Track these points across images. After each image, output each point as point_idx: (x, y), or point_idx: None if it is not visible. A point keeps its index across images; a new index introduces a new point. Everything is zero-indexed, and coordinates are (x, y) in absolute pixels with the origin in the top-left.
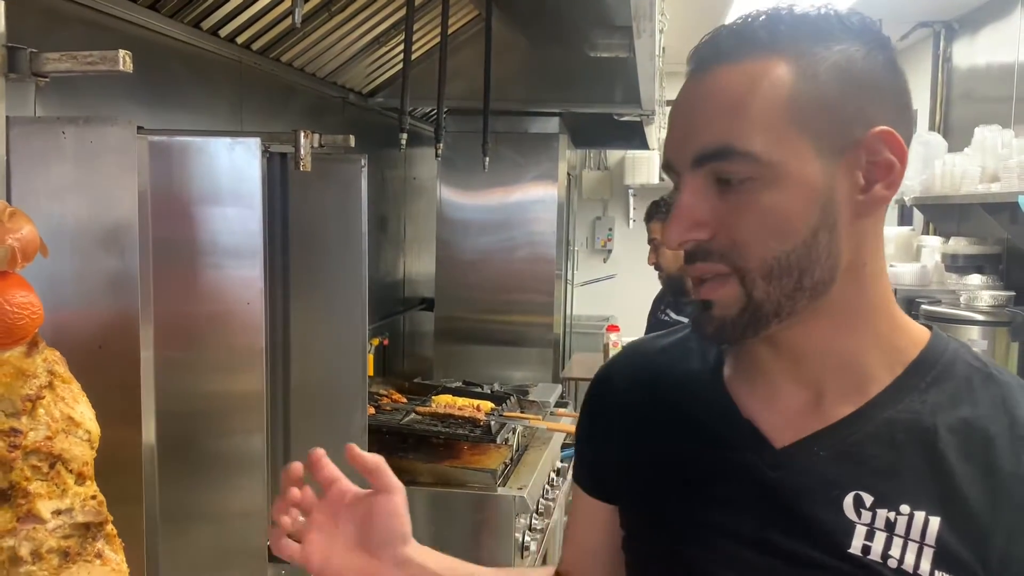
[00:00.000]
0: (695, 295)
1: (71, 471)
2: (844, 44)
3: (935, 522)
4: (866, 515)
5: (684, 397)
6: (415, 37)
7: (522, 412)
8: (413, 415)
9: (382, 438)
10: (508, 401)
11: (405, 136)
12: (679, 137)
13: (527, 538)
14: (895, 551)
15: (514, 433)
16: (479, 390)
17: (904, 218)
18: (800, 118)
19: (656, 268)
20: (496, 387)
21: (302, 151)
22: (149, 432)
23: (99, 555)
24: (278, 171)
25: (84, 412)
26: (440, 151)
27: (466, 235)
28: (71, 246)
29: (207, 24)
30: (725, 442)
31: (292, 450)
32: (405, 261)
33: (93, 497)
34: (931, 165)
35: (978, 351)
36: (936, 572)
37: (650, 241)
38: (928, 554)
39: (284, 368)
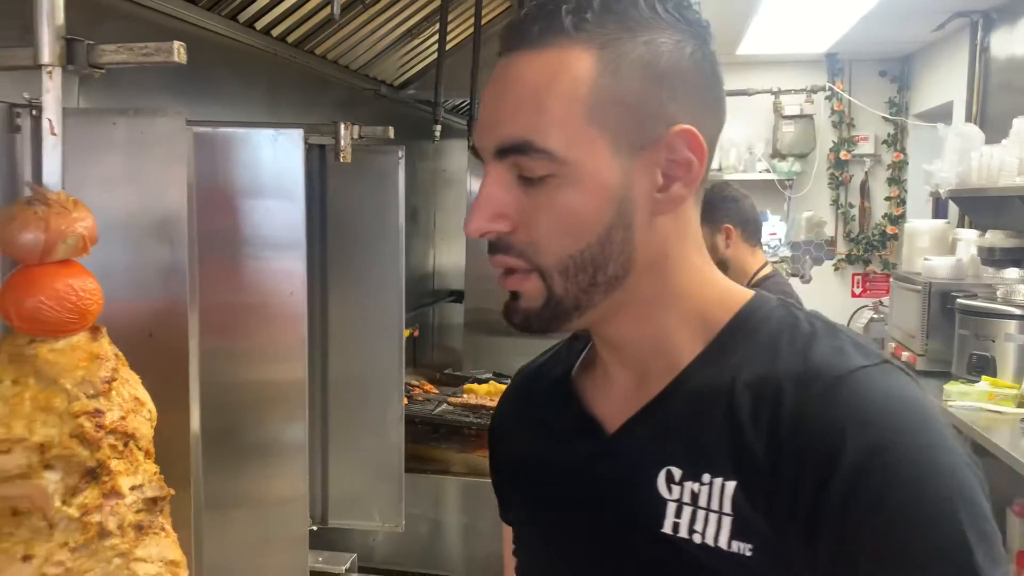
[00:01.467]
0: (501, 284)
1: (140, 448)
2: (653, 34)
3: (731, 487)
4: (676, 490)
5: (545, 405)
6: (448, 28)
7: None
8: (445, 405)
9: (415, 428)
10: None
11: (439, 128)
12: (484, 124)
13: None
14: (699, 525)
15: None
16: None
17: (939, 211)
18: (599, 117)
19: None
20: None
21: (342, 142)
22: (194, 420)
23: (163, 528)
24: (316, 163)
25: (144, 392)
26: (472, 142)
27: None
28: (121, 236)
29: (243, 17)
30: (570, 437)
31: (330, 439)
32: (435, 253)
33: (156, 473)
34: (967, 157)
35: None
36: (733, 543)
37: None
38: (726, 524)
39: (322, 358)
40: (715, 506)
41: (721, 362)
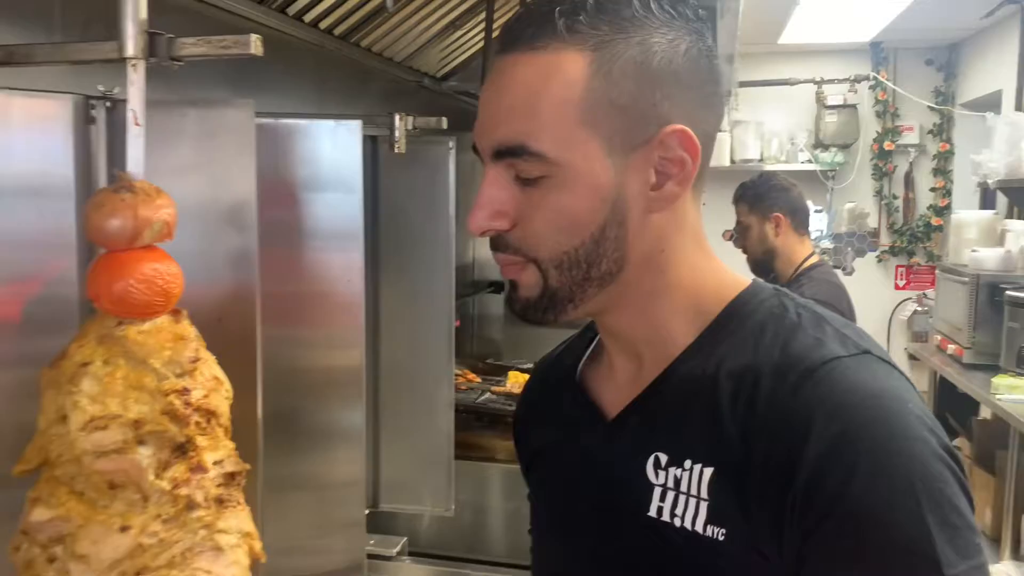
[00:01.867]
0: (502, 274)
1: (220, 425)
2: (646, 33)
3: (708, 472)
4: (662, 475)
5: (558, 394)
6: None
7: None
8: (488, 394)
9: (459, 416)
10: None
11: None
12: (482, 125)
13: None
14: (679, 509)
15: None
16: None
17: (987, 202)
18: (591, 119)
19: (743, 251)
20: None
21: (397, 133)
22: (260, 403)
23: (238, 501)
24: (369, 153)
25: (222, 372)
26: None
27: None
28: (192, 223)
29: (292, 10)
30: (576, 425)
31: (381, 424)
32: (474, 244)
33: (233, 449)
34: (1017, 147)
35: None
36: (708, 527)
37: (737, 224)
38: (703, 509)
39: (374, 346)
40: (694, 491)
41: (709, 351)
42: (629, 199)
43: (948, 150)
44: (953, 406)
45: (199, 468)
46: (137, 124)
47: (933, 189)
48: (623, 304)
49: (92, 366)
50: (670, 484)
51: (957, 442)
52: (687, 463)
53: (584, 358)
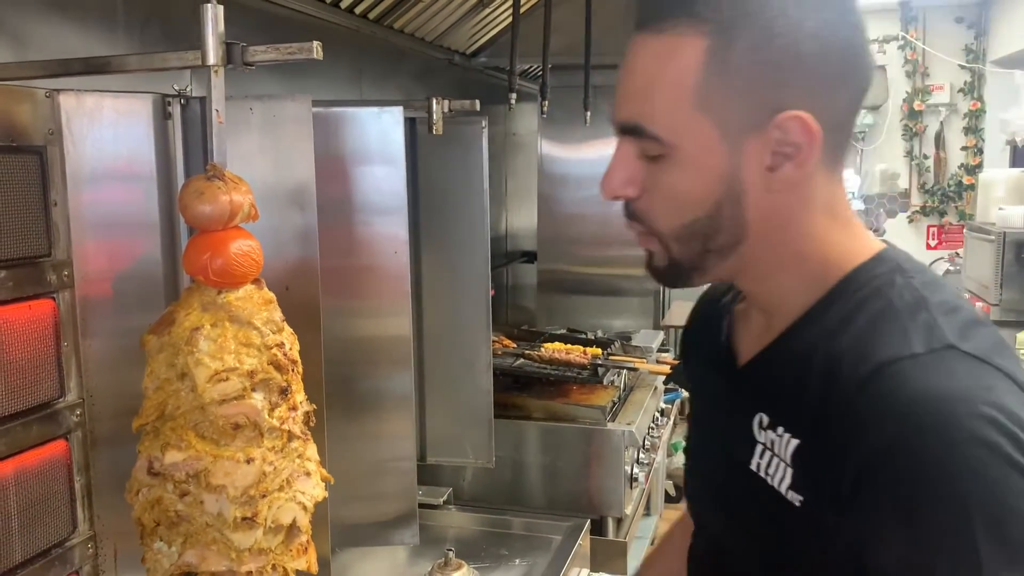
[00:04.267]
0: (638, 243)
1: (299, 372)
2: (771, 12)
3: (794, 444)
4: (763, 435)
5: (712, 326)
6: None
7: (626, 356)
8: (523, 359)
9: (497, 379)
10: (613, 346)
11: (514, 96)
12: (615, 101)
13: (635, 470)
14: (772, 469)
15: (619, 375)
16: (584, 337)
17: (1018, 160)
18: (705, 104)
19: None
20: (599, 334)
21: (435, 116)
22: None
23: (310, 436)
24: (407, 134)
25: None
26: (545, 108)
27: (566, 189)
28: (260, 204)
29: None
30: (715, 364)
31: (426, 385)
32: (507, 216)
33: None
34: None
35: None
36: (789, 492)
37: None
38: (788, 475)
39: (417, 313)
40: (783, 456)
41: (815, 325)
42: (745, 180)
43: (979, 108)
44: None
45: (293, 408)
46: (220, 121)
47: (964, 148)
48: (746, 272)
49: (203, 330)
50: (768, 444)
51: None
52: (779, 429)
53: (738, 297)
